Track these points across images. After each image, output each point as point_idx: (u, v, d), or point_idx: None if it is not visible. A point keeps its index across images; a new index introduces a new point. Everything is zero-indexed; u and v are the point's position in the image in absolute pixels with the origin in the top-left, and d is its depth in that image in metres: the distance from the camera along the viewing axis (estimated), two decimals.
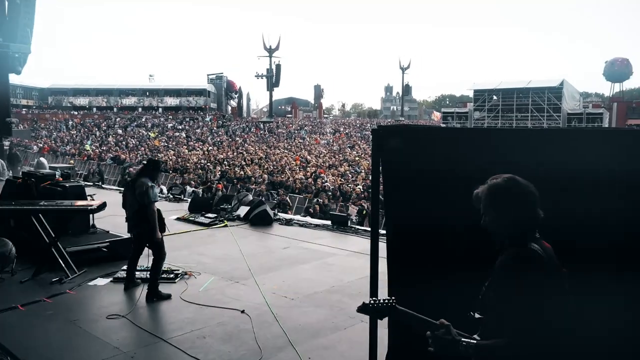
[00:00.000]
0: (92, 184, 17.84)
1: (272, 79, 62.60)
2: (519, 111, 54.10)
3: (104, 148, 37.06)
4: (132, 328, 5.52)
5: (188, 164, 26.79)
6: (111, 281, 7.05)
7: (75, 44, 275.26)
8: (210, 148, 38.55)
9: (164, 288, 6.52)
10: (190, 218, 11.62)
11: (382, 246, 3.68)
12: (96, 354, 4.85)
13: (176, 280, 7.07)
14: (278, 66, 62.68)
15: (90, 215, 8.73)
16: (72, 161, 29.44)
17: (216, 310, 6.02)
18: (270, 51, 62.20)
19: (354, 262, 8.04)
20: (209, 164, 26.79)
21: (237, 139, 47.60)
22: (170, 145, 41.17)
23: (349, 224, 11.08)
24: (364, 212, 14.17)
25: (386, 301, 2.18)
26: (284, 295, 6.58)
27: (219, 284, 7.05)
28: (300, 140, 47.50)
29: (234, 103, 72.49)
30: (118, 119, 56.93)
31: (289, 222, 11.43)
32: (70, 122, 54.19)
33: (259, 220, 11.25)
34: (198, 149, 38.52)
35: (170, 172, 24.78)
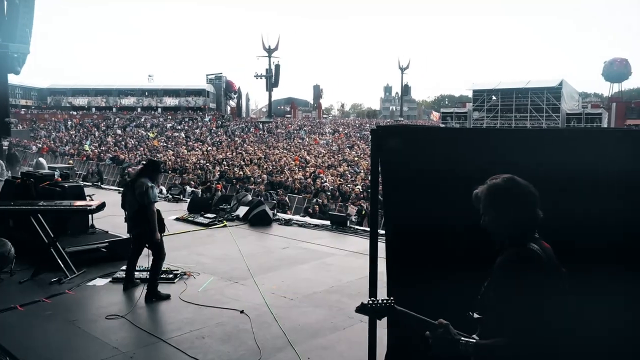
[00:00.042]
0: (91, 184, 17.83)
1: (271, 79, 62.62)
2: (518, 111, 54.15)
3: (103, 148, 37.04)
4: (131, 328, 5.52)
5: (187, 164, 26.78)
6: (110, 281, 7.05)
7: (79, 44, 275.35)
8: (209, 148, 38.54)
9: (163, 288, 6.52)
10: (190, 218, 11.62)
11: (381, 246, 3.68)
12: (95, 354, 4.85)
13: (175, 281, 7.07)
14: (277, 66, 62.72)
15: (89, 216, 8.72)
16: (71, 161, 29.43)
17: (215, 310, 6.02)
18: (270, 51, 62.22)
19: (353, 262, 8.04)
20: (208, 164, 26.78)
21: (236, 139, 47.61)
22: (170, 146, 41.16)
23: (348, 224, 11.08)
24: (363, 212, 14.17)
25: (385, 301, 2.18)
26: (283, 295, 6.58)
27: (218, 284, 7.05)
28: (299, 141, 47.51)
29: (233, 103, 72.50)
30: (117, 119, 56.90)
31: (288, 222, 11.43)
32: (69, 123, 54.13)
33: (258, 221, 11.25)
34: (197, 149, 38.51)
35: (170, 172, 24.76)
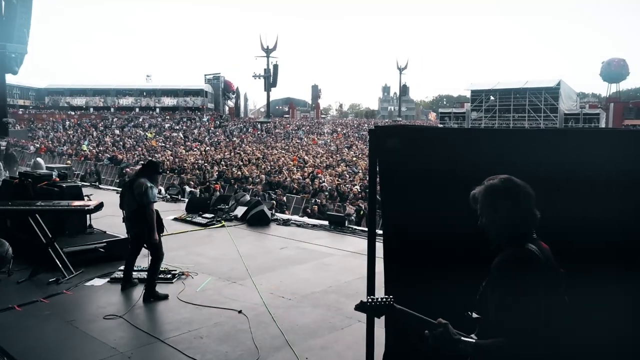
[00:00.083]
0: (89, 184, 17.81)
1: (270, 79, 62.62)
2: (516, 111, 54.22)
3: (101, 148, 36.97)
4: (129, 328, 5.51)
5: (185, 165, 26.76)
6: (108, 281, 7.04)
7: (75, 44, 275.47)
8: (207, 148, 38.52)
9: (161, 288, 6.52)
10: (188, 218, 11.62)
11: (379, 246, 3.68)
12: (93, 355, 4.85)
13: (173, 281, 7.06)
14: (275, 66, 62.72)
15: (87, 216, 8.72)
16: (69, 161, 29.35)
17: (213, 310, 6.02)
18: (268, 51, 62.23)
19: (351, 262, 8.04)
20: (206, 164, 26.76)
21: (235, 139, 47.60)
22: (168, 146, 41.11)
23: (346, 224, 11.08)
24: (361, 212, 14.18)
25: (384, 300, 2.19)
26: (281, 295, 6.58)
27: (216, 284, 7.04)
28: (297, 141, 47.52)
29: (231, 103, 72.48)
30: (115, 119, 56.84)
31: (286, 223, 11.42)
32: (67, 123, 54.05)
33: (257, 221, 11.25)
34: (195, 149, 38.49)
35: (168, 172, 24.74)
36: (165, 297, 6.37)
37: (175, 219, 11.60)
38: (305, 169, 24.83)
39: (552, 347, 2.06)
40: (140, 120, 57.10)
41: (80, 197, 8.87)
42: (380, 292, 3.49)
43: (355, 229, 10.96)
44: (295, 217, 13.03)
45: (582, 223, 2.80)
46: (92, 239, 8.35)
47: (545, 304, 2.04)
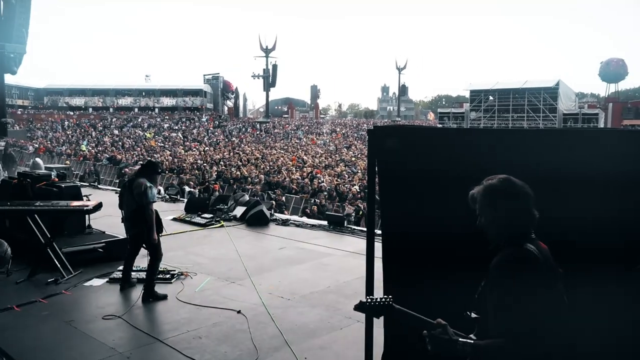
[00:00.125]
0: (88, 184, 17.80)
1: (269, 79, 62.62)
2: (515, 111, 54.25)
3: (100, 148, 36.92)
4: (128, 328, 5.51)
5: (184, 165, 26.74)
6: (107, 282, 7.03)
7: (75, 44, 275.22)
8: (206, 148, 38.50)
9: (160, 288, 6.51)
10: (187, 218, 11.61)
11: (378, 246, 3.68)
12: (92, 355, 4.85)
13: (172, 281, 7.06)
14: (274, 66, 62.75)
15: (86, 216, 8.70)
16: (68, 162, 29.32)
17: (212, 310, 6.02)
18: (267, 51, 62.22)
19: (350, 262, 8.04)
20: (205, 164, 26.75)
21: (234, 139, 47.58)
22: (167, 146, 41.06)
23: (345, 224, 11.09)
24: (360, 212, 14.18)
25: (383, 300, 2.18)
26: (280, 295, 6.58)
27: (215, 284, 7.04)
28: (296, 141, 47.51)
29: (230, 103, 72.44)
30: (114, 119, 56.79)
31: (285, 223, 11.42)
32: (66, 123, 54.00)
33: (255, 221, 11.25)
34: (194, 149, 38.46)
35: (167, 172, 24.72)
36: (164, 297, 6.37)
37: (174, 219, 11.59)
38: (304, 169, 24.81)
39: (550, 347, 2.06)
40: (139, 120, 57.06)
41: (79, 197, 8.87)
42: (379, 292, 3.49)
43: (354, 229, 10.96)
44: (294, 217, 13.02)
45: (580, 223, 2.80)
46: (91, 239, 8.35)
47: (543, 304, 2.04)
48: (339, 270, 7.70)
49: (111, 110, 63.36)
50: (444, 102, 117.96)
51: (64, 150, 36.19)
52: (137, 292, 6.44)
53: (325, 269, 7.89)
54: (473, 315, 2.24)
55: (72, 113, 60.34)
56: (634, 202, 2.73)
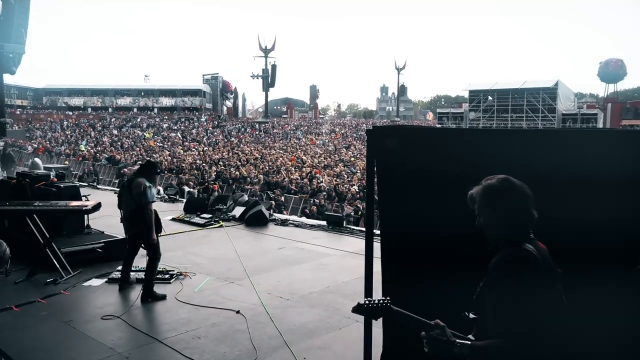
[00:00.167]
0: (87, 184, 17.79)
1: (268, 80, 62.66)
2: (514, 112, 54.31)
3: (99, 148, 36.89)
4: (127, 329, 5.51)
5: (183, 165, 26.72)
6: (106, 282, 7.03)
7: (74, 44, 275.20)
8: (205, 148, 38.47)
9: (159, 288, 6.51)
10: (186, 218, 11.61)
11: (377, 246, 3.68)
12: (91, 355, 4.84)
13: (171, 281, 7.05)
14: (274, 66, 62.77)
15: (85, 216, 8.70)
16: (66, 162, 29.32)
17: (211, 310, 6.02)
18: (266, 51, 62.26)
19: (349, 263, 8.05)
20: (204, 164, 26.74)
21: (233, 139, 47.56)
22: (166, 146, 41.02)
23: (344, 224, 11.09)
24: (359, 212, 14.18)
25: (381, 301, 2.18)
26: (279, 295, 6.58)
27: (214, 284, 7.04)
28: (295, 141, 47.50)
29: (229, 103, 72.47)
30: (113, 119, 56.77)
31: (284, 223, 11.42)
32: (65, 123, 53.99)
33: (255, 221, 11.25)
34: (193, 149, 38.43)
35: (166, 172, 24.71)
36: (163, 297, 6.37)
37: (174, 219, 11.59)
38: (304, 169, 24.80)
39: (549, 347, 2.06)
40: (138, 120, 57.04)
41: (78, 197, 8.87)
42: (378, 293, 3.49)
43: (353, 229, 10.95)
44: (294, 217, 13.01)
45: (579, 223, 2.80)
46: (90, 239, 8.35)
47: (542, 304, 2.04)
48: (338, 271, 7.70)
49: (110, 110, 63.35)
50: (443, 102, 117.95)
51: (63, 150, 36.17)
52: (136, 292, 6.44)
53: (324, 269, 7.89)
54: (471, 315, 2.24)
55: (71, 113, 60.33)
56: (633, 202, 2.73)
